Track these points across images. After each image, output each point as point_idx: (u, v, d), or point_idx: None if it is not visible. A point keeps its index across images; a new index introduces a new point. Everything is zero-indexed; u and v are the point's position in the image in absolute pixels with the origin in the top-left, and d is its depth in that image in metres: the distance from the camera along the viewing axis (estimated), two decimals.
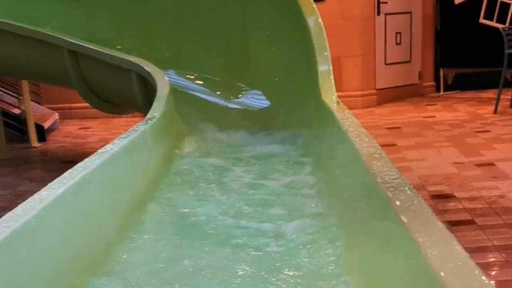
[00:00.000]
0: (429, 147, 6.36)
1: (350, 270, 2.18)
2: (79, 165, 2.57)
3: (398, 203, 1.92)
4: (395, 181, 2.18)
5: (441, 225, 1.72)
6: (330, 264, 2.29)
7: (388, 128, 7.43)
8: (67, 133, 8.29)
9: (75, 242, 2.27)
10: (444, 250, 1.56)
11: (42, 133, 7.81)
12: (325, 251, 2.39)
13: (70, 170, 2.47)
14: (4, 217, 1.96)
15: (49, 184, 2.30)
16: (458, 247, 1.56)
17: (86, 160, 2.66)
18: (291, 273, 2.24)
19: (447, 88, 9.73)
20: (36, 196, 2.18)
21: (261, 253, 2.47)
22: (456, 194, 4.80)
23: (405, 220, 1.78)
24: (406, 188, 2.11)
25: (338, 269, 2.22)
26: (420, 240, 1.63)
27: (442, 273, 1.42)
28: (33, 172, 6.31)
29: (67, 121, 8.88)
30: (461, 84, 9.74)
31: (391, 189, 2.10)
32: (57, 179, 2.36)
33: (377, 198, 2.17)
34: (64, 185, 2.32)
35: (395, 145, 6.47)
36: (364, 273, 2.11)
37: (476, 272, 1.40)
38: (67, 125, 8.71)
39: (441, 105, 8.75)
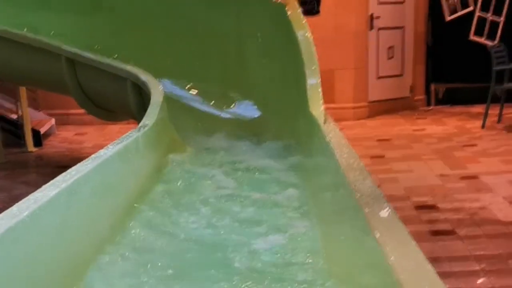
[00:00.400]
0: (416, 159, 6.51)
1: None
2: (73, 169, 2.69)
3: (367, 210, 2.06)
4: (368, 189, 2.33)
5: (404, 229, 1.86)
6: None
7: (378, 140, 7.59)
8: (63, 139, 8.42)
9: (67, 242, 2.39)
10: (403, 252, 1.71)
11: (38, 138, 7.93)
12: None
13: (63, 174, 2.60)
14: (0, 214, 2.09)
15: (44, 186, 2.42)
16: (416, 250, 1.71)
17: (79, 164, 2.79)
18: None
19: (438, 102, 9.90)
20: (30, 197, 2.31)
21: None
22: (439, 205, 4.95)
23: (373, 225, 1.92)
24: (378, 197, 2.26)
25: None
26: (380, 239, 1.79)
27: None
28: (29, 176, 6.43)
29: (63, 127, 9.00)
30: (451, 98, 9.91)
31: (363, 197, 2.25)
32: (51, 181, 2.48)
33: (352, 207, 2.31)
34: (58, 187, 2.44)
35: (383, 156, 6.61)
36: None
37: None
38: (64, 131, 8.84)
39: (431, 119, 8.91)
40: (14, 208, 2.18)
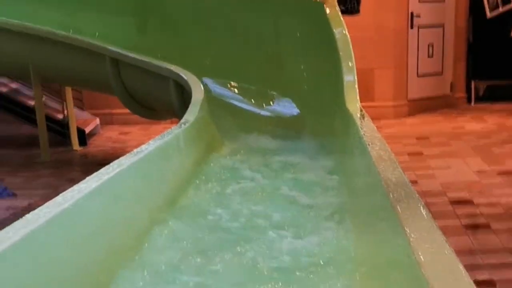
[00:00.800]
0: (454, 156, 6.54)
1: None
2: (115, 162, 2.83)
3: (399, 208, 2.12)
4: (395, 179, 2.41)
5: (437, 230, 1.91)
6: None
7: (417, 138, 7.60)
8: (107, 138, 8.60)
9: (108, 231, 2.51)
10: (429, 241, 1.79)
11: (83, 137, 8.12)
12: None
13: (106, 166, 2.73)
14: (46, 203, 2.23)
15: (87, 178, 2.55)
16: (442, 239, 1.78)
17: (121, 158, 2.91)
18: None
19: (478, 99, 9.84)
20: (75, 187, 2.44)
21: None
22: (474, 200, 4.99)
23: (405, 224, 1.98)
24: (406, 187, 2.33)
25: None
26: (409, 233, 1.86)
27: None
28: (74, 173, 6.59)
29: (108, 127, 9.19)
30: (492, 95, 9.85)
31: (392, 186, 2.33)
32: (94, 173, 2.61)
33: (379, 194, 2.39)
34: (100, 179, 2.57)
35: (421, 154, 6.64)
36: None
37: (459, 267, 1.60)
38: (108, 130, 9.02)
39: (471, 116, 8.88)
40: (59, 197, 2.32)
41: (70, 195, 2.36)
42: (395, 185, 2.32)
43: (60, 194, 2.33)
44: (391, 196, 2.21)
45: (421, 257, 1.65)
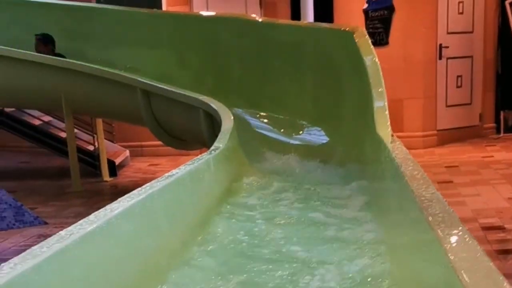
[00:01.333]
0: (484, 184, 6.51)
1: None
2: (147, 185, 2.87)
3: (430, 218, 2.12)
4: (429, 195, 2.41)
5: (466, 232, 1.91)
6: None
7: (446, 167, 7.58)
8: (137, 169, 8.71)
9: (139, 250, 2.54)
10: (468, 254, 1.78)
11: (113, 169, 8.26)
12: None
13: (139, 188, 2.77)
14: (79, 221, 2.26)
15: (120, 198, 2.59)
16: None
17: (154, 181, 2.95)
18: None
19: (508, 129, 9.79)
20: (108, 207, 2.48)
21: None
22: (506, 226, 4.96)
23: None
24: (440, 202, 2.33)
25: None
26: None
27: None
28: (104, 203, 6.53)
29: (137, 158, 9.32)
30: None
31: (423, 199, 2.33)
32: (127, 194, 2.65)
33: (412, 209, 2.39)
34: (133, 199, 2.61)
35: (451, 182, 6.62)
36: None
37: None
38: (138, 162, 9.14)
39: (500, 146, 8.84)
40: (92, 216, 2.36)
41: (103, 213, 2.40)
42: (429, 201, 2.32)
43: (93, 213, 2.36)
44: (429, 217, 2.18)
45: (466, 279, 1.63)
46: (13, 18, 8.14)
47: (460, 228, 1.99)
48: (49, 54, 7.25)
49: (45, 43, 7.45)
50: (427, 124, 9.25)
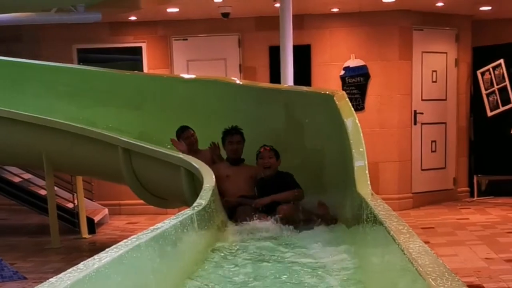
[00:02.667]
0: (461, 245, 6.65)
1: None
2: (134, 237, 2.95)
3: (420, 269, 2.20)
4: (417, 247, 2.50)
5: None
6: None
7: (422, 228, 7.73)
8: (115, 227, 8.74)
9: None
10: None
11: (92, 226, 8.29)
12: None
13: (126, 240, 2.85)
14: (69, 270, 2.34)
15: (107, 249, 2.67)
16: None
17: (139, 233, 3.03)
18: None
19: (481, 194, 10.04)
20: (96, 256, 2.56)
21: None
22: (485, 285, 5.08)
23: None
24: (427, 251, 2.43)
25: None
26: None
27: None
28: (83, 259, 6.55)
29: (116, 216, 9.35)
30: (494, 190, 10.07)
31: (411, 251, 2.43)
32: (114, 245, 2.73)
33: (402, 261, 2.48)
34: (120, 250, 2.69)
35: (428, 242, 6.70)
36: None
37: None
38: (116, 220, 9.17)
39: (474, 209, 9.03)
40: (81, 264, 2.44)
41: (91, 263, 2.48)
42: (418, 253, 2.40)
43: (82, 262, 2.44)
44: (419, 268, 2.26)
45: None
46: None
47: (451, 277, 2.08)
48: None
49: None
50: (402, 187, 9.44)
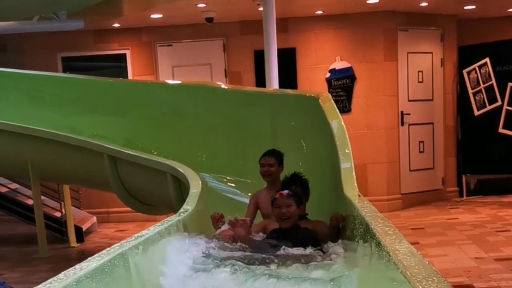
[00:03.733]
0: (451, 245, 6.64)
1: None
2: (117, 244, 2.89)
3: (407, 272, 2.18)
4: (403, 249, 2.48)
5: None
6: None
7: (412, 229, 7.72)
8: (104, 235, 8.69)
9: None
10: None
11: (80, 235, 8.25)
12: None
13: (108, 248, 2.80)
14: (49, 280, 2.29)
15: (89, 258, 2.62)
16: None
17: (123, 241, 2.99)
18: None
19: (470, 193, 10.05)
20: (77, 266, 2.51)
21: None
22: (475, 284, 5.06)
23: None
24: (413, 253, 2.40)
25: None
26: None
27: None
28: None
29: (104, 224, 9.31)
30: (483, 189, 10.09)
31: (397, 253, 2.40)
32: (97, 254, 2.68)
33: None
34: (102, 259, 2.64)
35: (418, 243, 6.73)
36: None
37: None
38: (105, 228, 9.13)
39: (463, 209, 9.03)
40: (61, 274, 2.39)
41: (72, 272, 2.43)
42: (404, 255, 2.37)
43: (63, 272, 2.39)
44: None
45: None
46: None
47: (437, 278, 2.05)
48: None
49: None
50: (391, 188, 9.43)
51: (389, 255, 2.44)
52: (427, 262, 2.25)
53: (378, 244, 2.74)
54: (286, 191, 4.37)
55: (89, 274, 2.45)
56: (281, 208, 4.28)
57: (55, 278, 2.34)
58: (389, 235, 2.78)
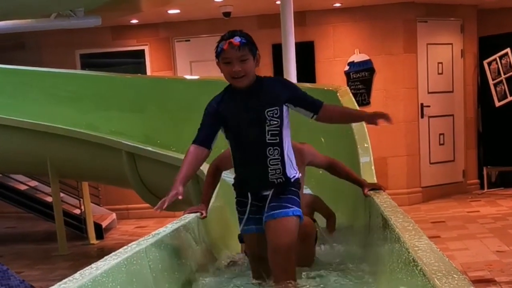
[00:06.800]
0: (472, 238, 6.57)
1: None
2: (134, 243, 2.88)
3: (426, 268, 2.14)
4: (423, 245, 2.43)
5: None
6: None
7: (432, 222, 7.65)
8: (123, 232, 8.72)
9: None
10: None
11: (100, 232, 8.27)
12: None
13: (125, 247, 2.78)
14: (64, 280, 2.27)
15: (106, 257, 2.60)
16: None
17: (140, 239, 2.97)
18: None
19: (491, 185, 9.90)
20: (93, 265, 2.49)
21: None
22: (496, 278, 5.00)
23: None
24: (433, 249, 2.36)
25: None
26: None
27: None
28: None
29: (124, 221, 9.33)
30: (505, 181, 9.94)
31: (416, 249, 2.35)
32: (113, 252, 2.66)
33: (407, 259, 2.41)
34: (119, 257, 2.61)
35: (439, 237, 6.66)
36: None
37: None
38: (124, 225, 9.14)
39: (485, 201, 8.92)
40: (77, 274, 2.37)
41: (88, 271, 2.41)
42: (423, 251, 2.33)
43: (79, 272, 2.36)
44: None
45: None
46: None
47: (457, 276, 2.01)
48: None
49: None
50: (411, 181, 9.35)
51: (408, 252, 2.40)
52: (447, 259, 2.19)
53: (398, 239, 2.70)
54: (237, 38, 3.24)
55: (105, 273, 2.43)
56: (233, 65, 3.20)
57: (70, 277, 2.32)
58: (408, 230, 2.74)
